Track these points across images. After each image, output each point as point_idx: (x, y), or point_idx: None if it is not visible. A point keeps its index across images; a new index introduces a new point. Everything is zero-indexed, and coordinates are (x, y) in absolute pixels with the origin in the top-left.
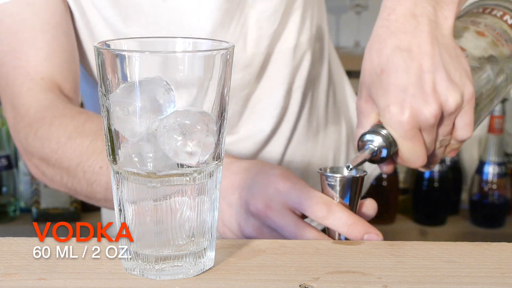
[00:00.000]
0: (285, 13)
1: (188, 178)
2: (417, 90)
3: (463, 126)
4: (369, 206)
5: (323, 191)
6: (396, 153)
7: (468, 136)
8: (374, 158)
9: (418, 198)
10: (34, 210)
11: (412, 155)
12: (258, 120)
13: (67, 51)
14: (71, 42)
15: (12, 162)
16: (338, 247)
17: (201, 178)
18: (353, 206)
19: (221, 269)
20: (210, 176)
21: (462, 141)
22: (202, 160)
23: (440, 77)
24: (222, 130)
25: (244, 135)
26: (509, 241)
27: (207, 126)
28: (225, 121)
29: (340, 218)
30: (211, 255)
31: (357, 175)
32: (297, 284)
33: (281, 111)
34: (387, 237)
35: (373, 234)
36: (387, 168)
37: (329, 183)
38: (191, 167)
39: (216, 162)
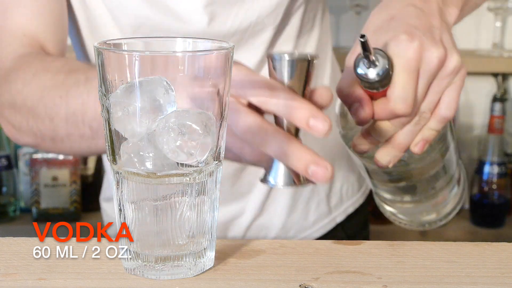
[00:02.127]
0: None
1: (188, 178)
2: (427, 34)
3: (448, 102)
4: (324, 93)
5: (270, 75)
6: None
7: (449, 116)
8: (368, 77)
9: None
10: (34, 210)
11: (403, 91)
12: None
13: (55, 13)
14: (61, 6)
15: (12, 162)
16: (338, 247)
17: (201, 178)
18: (302, 92)
19: (221, 269)
20: (210, 176)
21: (440, 123)
22: (201, 160)
23: (446, 37)
24: (221, 130)
25: None
26: (509, 241)
27: (206, 126)
28: (225, 121)
29: (283, 100)
30: (211, 255)
31: (306, 58)
32: (297, 284)
33: None
34: (387, 237)
35: (321, 165)
36: (364, 112)
37: (275, 66)
38: (191, 167)
39: (216, 162)
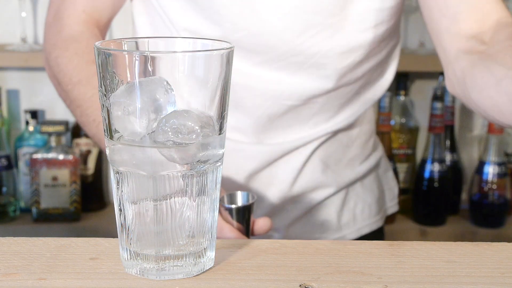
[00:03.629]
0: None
1: (188, 178)
2: None
3: None
4: (261, 224)
5: (221, 214)
6: None
7: None
8: None
9: (418, 198)
10: (34, 210)
11: None
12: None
13: None
14: None
15: (12, 162)
16: (338, 247)
17: (201, 178)
18: (245, 226)
19: (221, 269)
20: (210, 176)
21: None
22: (202, 160)
23: None
24: (222, 130)
25: None
26: (509, 241)
27: (205, 127)
28: (225, 121)
29: (229, 239)
30: (211, 255)
31: (243, 205)
32: (297, 284)
33: None
34: (387, 237)
35: None
36: None
37: (226, 212)
38: (191, 167)
39: (216, 162)
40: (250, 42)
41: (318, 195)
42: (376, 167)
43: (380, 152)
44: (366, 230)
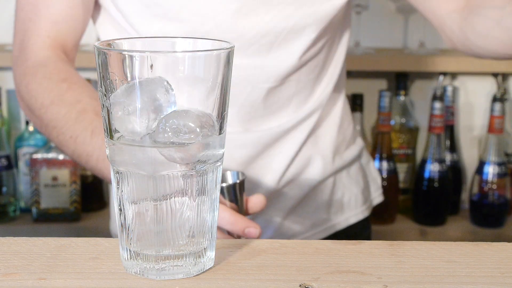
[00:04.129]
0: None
1: (188, 178)
2: None
3: None
4: (256, 201)
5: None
6: None
7: None
8: None
9: (418, 198)
10: (34, 210)
11: None
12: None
13: (78, 17)
14: (86, 8)
15: (12, 162)
16: (338, 247)
17: (201, 178)
18: (239, 204)
19: (221, 269)
20: (210, 176)
21: None
22: (201, 160)
23: None
24: (222, 130)
25: None
26: (509, 241)
27: (205, 127)
28: (225, 121)
29: (223, 219)
30: (211, 255)
31: (234, 182)
32: (297, 284)
33: None
34: (387, 237)
35: (252, 228)
36: None
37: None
38: (191, 167)
39: (216, 162)
40: (219, 32)
41: (309, 181)
42: (359, 157)
43: (361, 141)
44: (353, 220)
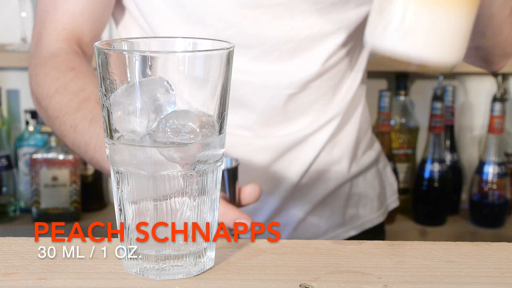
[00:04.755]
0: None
1: (188, 178)
2: None
3: None
4: (249, 191)
5: None
6: None
7: None
8: None
9: (418, 198)
10: (34, 210)
11: None
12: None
13: (97, 11)
14: (106, 3)
15: (12, 162)
16: (338, 247)
17: (201, 178)
18: (230, 193)
19: (221, 269)
20: (210, 176)
21: None
22: (201, 160)
23: None
24: (222, 130)
25: None
26: (509, 241)
27: (205, 127)
28: (225, 121)
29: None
30: (211, 255)
31: (225, 168)
32: (297, 284)
33: None
34: (387, 237)
35: (243, 219)
36: None
37: None
38: (191, 167)
39: (216, 162)
40: (242, 37)
41: (326, 186)
42: (376, 161)
43: (378, 146)
44: (368, 225)
